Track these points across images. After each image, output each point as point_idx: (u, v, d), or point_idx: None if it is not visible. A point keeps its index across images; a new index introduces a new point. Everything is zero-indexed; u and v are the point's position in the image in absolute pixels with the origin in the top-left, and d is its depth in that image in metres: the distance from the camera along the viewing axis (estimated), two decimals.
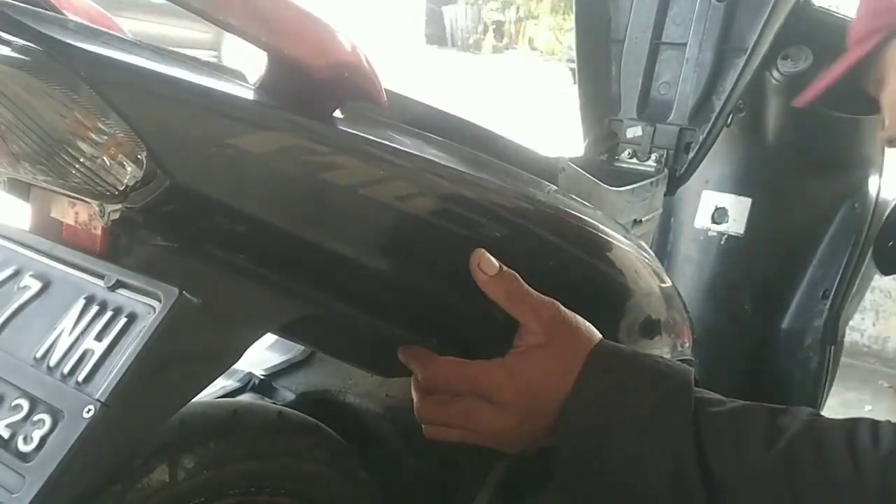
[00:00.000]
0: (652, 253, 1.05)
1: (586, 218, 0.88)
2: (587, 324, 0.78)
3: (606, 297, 0.90)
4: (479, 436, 0.76)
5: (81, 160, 0.57)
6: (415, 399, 0.78)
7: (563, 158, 0.96)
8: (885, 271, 1.65)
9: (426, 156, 0.72)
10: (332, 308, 0.70)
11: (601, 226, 0.90)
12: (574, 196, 0.91)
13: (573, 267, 0.85)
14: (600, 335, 0.78)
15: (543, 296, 0.76)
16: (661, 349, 0.99)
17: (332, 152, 0.64)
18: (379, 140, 0.68)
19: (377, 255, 0.69)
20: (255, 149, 0.60)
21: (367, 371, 0.94)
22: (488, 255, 0.74)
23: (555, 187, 0.88)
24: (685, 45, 1.37)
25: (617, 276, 0.92)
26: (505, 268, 0.74)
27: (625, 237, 0.97)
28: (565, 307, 0.77)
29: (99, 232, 0.65)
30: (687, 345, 1.07)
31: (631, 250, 0.96)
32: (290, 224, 0.64)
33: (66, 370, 0.58)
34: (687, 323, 1.08)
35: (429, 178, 0.71)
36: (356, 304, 0.72)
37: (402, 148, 0.70)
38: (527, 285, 0.76)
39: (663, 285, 1.01)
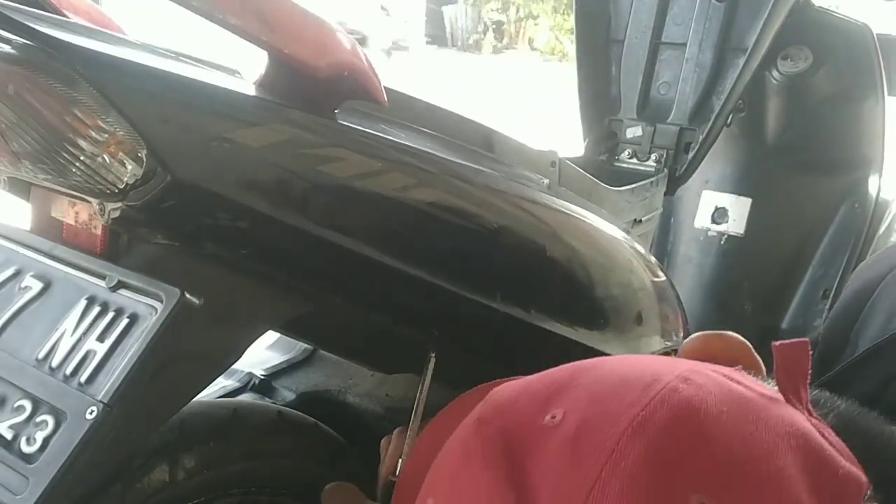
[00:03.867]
0: (644, 246, 1.05)
1: (579, 210, 0.88)
2: None
3: (596, 287, 0.90)
4: None
5: (82, 158, 0.57)
6: None
7: (554, 152, 0.97)
8: None
9: (423, 150, 0.72)
10: (332, 304, 0.70)
11: (593, 218, 0.91)
12: (566, 189, 0.92)
13: (566, 258, 0.85)
14: None
15: None
16: (650, 337, 0.99)
17: (330, 147, 0.64)
18: (377, 134, 0.68)
19: (377, 249, 0.69)
20: (254, 144, 0.60)
21: (369, 367, 0.94)
22: None
23: (548, 180, 0.88)
24: (685, 45, 1.37)
25: (609, 265, 0.92)
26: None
27: (617, 228, 0.97)
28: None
29: (99, 232, 0.65)
30: (681, 334, 1.07)
31: (623, 242, 0.96)
32: (290, 219, 0.63)
33: (68, 371, 0.58)
34: (680, 314, 1.09)
35: (426, 173, 0.71)
36: (357, 299, 0.72)
37: (399, 142, 0.70)
38: None
39: (656, 279, 1.01)
